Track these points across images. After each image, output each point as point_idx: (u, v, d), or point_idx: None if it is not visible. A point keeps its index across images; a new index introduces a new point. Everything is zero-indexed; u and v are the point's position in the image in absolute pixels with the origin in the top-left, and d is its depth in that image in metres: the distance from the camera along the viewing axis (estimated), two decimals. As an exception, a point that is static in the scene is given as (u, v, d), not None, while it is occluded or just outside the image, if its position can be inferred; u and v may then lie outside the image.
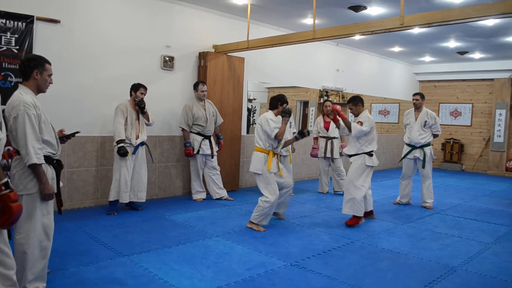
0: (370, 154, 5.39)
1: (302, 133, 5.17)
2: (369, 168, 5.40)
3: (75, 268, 3.63)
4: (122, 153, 5.37)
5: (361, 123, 5.33)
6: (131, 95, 5.61)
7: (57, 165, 3.18)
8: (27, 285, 3.00)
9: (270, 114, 5.12)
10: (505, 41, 8.77)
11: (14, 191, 2.30)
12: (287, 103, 5.20)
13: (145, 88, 5.63)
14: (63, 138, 3.37)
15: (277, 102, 5.14)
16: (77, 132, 3.47)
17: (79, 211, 5.61)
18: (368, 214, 5.75)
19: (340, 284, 3.51)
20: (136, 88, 5.58)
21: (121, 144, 5.38)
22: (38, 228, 3.01)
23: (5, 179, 2.27)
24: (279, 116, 5.12)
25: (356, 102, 5.50)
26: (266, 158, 5.02)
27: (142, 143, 5.67)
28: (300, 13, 7.24)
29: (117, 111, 5.48)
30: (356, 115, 5.51)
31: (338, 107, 5.37)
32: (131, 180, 5.58)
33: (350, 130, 5.38)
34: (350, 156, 5.52)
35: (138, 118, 5.64)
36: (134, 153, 5.56)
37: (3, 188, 2.26)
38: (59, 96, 5.33)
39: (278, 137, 5.00)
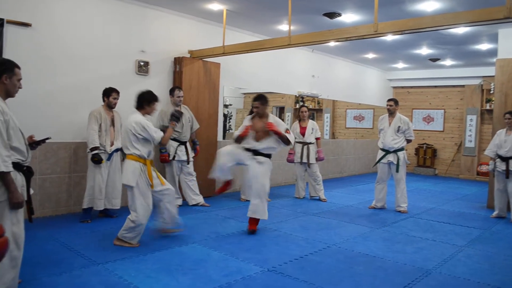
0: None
1: (173, 115, 4.75)
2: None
3: (48, 278, 3.53)
4: (97, 160, 5.27)
5: (288, 131, 5.19)
6: (104, 100, 5.52)
7: (27, 172, 3.09)
8: (-3, 295, 2.90)
9: (140, 116, 4.45)
10: (475, 49, 9.01)
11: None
12: (156, 100, 4.55)
13: (117, 93, 5.54)
14: (33, 144, 3.28)
15: (143, 102, 4.50)
16: (47, 138, 3.39)
17: (52, 219, 5.48)
18: None
19: (317, 289, 3.52)
20: (108, 93, 5.48)
21: (96, 151, 5.29)
22: (8, 237, 2.91)
23: None
24: (149, 116, 4.58)
25: (264, 102, 5.22)
26: (142, 168, 4.41)
27: (117, 150, 5.58)
28: (275, 20, 7.28)
29: (90, 117, 5.37)
30: (261, 116, 5.22)
31: (269, 124, 5.06)
32: (106, 187, 5.49)
33: (288, 143, 5.19)
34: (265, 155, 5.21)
35: (112, 125, 5.54)
36: (108, 159, 5.47)
37: None
38: (30, 101, 5.21)
39: (163, 142, 4.62)
